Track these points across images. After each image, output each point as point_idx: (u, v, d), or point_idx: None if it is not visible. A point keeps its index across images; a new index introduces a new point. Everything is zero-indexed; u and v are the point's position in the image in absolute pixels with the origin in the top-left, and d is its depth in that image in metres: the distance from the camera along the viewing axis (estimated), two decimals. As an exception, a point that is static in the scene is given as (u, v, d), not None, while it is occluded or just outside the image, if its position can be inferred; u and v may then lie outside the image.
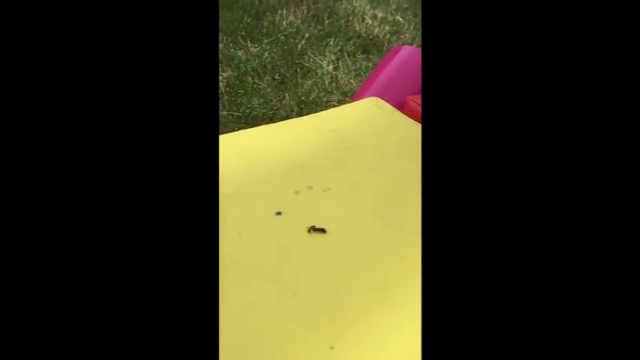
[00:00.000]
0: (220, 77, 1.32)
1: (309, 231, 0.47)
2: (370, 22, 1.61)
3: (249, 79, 1.31)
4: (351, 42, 1.51)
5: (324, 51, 1.45)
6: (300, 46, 1.46)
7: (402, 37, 1.59)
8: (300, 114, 1.22)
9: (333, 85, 1.35)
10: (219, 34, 1.45)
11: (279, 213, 0.49)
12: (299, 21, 1.59)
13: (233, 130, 0.65)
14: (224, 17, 1.52)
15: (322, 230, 0.47)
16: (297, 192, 0.52)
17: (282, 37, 1.48)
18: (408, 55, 0.89)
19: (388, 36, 1.56)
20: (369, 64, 1.42)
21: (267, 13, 1.60)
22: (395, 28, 1.61)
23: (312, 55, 1.43)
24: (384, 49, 1.50)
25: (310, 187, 0.53)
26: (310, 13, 1.63)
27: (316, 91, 1.31)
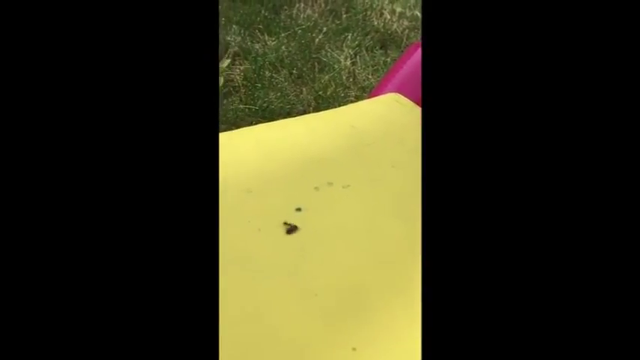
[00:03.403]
0: (237, 70, 1.31)
1: (287, 232, 0.46)
2: (389, 17, 1.59)
3: (266, 72, 1.31)
4: (369, 37, 1.49)
5: (342, 46, 1.44)
6: (317, 40, 1.44)
7: (420, 32, 1.57)
8: (317, 109, 1.21)
9: (351, 80, 1.34)
10: (237, 27, 1.44)
11: (299, 209, 0.48)
12: (316, 15, 1.57)
13: (250, 124, 0.64)
14: (241, 10, 1.51)
15: (295, 227, 0.46)
16: (316, 188, 0.51)
17: (300, 31, 1.47)
18: (429, 50, 0.88)
19: (407, 31, 1.54)
20: (387, 59, 1.41)
21: (285, 7, 1.59)
22: (413, 23, 1.59)
23: (330, 50, 1.42)
24: (403, 44, 1.48)
25: (330, 184, 0.52)
26: (328, 7, 1.61)
27: (333, 86, 1.29)
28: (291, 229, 0.46)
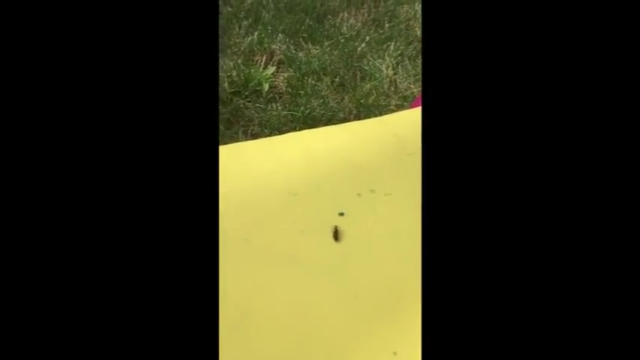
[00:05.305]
0: (281, 77, 1.34)
1: (334, 237, 0.47)
2: (432, 26, 1.59)
3: (309, 80, 1.33)
4: (412, 46, 1.49)
5: (384, 55, 1.45)
6: (359, 49, 1.46)
7: (464, 42, 1.55)
8: (358, 117, 1.22)
9: (392, 89, 1.34)
10: (282, 35, 1.48)
11: (341, 214, 0.49)
12: (359, 24, 1.59)
13: (293, 130, 0.65)
14: (287, 19, 1.55)
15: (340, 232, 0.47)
16: (359, 194, 0.52)
17: (343, 40, 1.48)
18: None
19: (450, 41, 1.54)
20: (430, 69, 1.40)
21: (329, 16, 1.61)
22: (457, 33, 1.58)
23: (372, 59, 1.43)
24: (446, 54, 1.47)
25: (372, 191, 0.53)
26: (371, 17, 1.62)
27: (375, 94, 1.30)
28: (337, 233, 0.47)
